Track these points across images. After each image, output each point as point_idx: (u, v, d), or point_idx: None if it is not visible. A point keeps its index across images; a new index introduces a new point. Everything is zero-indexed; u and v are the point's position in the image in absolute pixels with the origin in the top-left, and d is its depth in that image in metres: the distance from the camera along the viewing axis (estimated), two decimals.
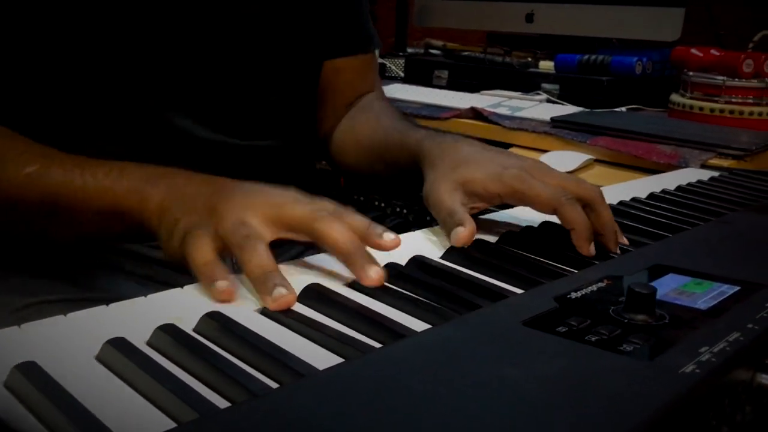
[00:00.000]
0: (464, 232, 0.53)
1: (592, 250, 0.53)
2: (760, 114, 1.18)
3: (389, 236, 0.48)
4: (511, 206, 0.66)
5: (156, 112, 0.65)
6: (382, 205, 1.40)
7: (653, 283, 0.43)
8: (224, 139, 0.69)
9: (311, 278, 0.47)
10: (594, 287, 0.43)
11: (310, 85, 0.79)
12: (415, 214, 1.34)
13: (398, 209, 1.39)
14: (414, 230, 0.60)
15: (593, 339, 0.35)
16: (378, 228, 0.48)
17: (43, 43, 0.60)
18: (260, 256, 0.44)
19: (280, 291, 0.42)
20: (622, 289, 0.43)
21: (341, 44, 0.80)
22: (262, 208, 0.48)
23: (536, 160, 0.60)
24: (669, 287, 0.43)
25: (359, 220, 0.48)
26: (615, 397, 0.29)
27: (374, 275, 0.45)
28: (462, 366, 0.32)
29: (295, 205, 0.48)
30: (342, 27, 0.79)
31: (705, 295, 0.42)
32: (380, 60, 1.71)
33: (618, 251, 0.55)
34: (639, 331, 0.37)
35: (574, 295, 0.42)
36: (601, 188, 0.84)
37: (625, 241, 0.57)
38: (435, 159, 0.62)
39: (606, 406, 0.28)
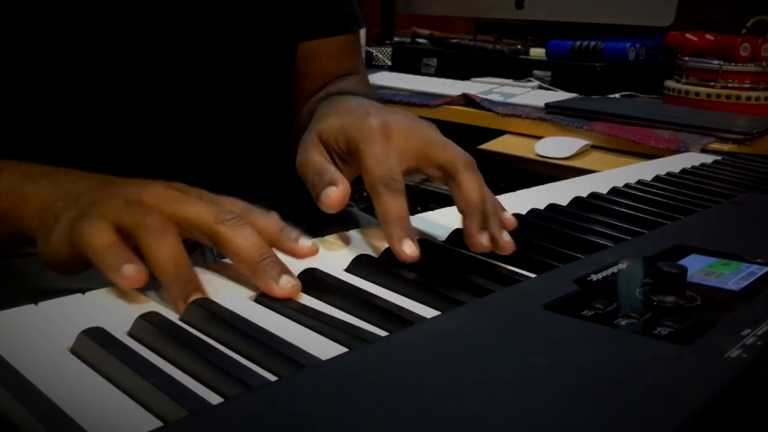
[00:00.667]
0: (336, 192, 0.44)
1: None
2: (757, 99, 1.15)
3: (305, 242, 0.40)
4: (521, 188, 0.63)
5: (119, 102, 0.60)
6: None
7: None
8: (195, 131, 0.64)
9: (306, 263, 0.43)
10: (614, 269, 0.40)
11: (284, 70, 0.72)
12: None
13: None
14: None
15: (623, 323, 0.32)
16: (292, 232, 0.41)
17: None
18: (171, 247, 0.37)
19: (196, 295, 0.37)
20: (644, 270, 0.40)
21: (315, 25, 0.72)
22: (156, 201, 0.40)
23: (414, 120, 0.49)
24: (695, 268, 0.40)
25: (270, 222, 0.41)
26: (660, 384, 0.26)
27: (286, 285, 0.38)
28: (482, 354, 0.29)
29: (197, 204, 0.40)
30: (316, 6, 0.71)
31: (734, 276, 0.39)
32: (367, 48, 1.67)
33: (484, 243, 0.43)
34: (671, 313, 0.33)
35: (594, 277, 0.38)
36: (600, 173, 0.82)
37: (509, 223, 0.46)
38: (315, 117, 0.53)
39: (654, 393, 0.25)
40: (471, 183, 0.45)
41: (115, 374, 0.29)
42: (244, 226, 0.39)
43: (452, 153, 0.46)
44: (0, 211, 0.46)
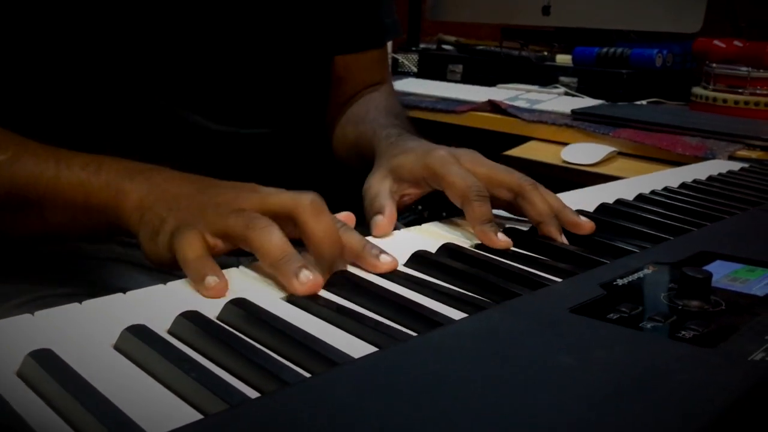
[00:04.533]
0: (382, 221, 0.52)
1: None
2: None
3: (386, 258, 0.45)
4: None
5: (164, 105, 0.63)
6: None
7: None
8: (234, 130, 0.67)
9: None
10: (640, 274, 0.41)
11: (321, 78, 0.76)
12: (430, 211, 1.32)
13: (412, 205, 1.37)
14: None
15: (649, 326, 0.33)
16: (374, 248, 0.45)
17: (46, 39, 0.58)
18: (277, 238, 0.41)
19: (306, 275, 0.40)
20: (670, 275, 0.40)
21: (352, 40, 0.77)
22: (251, 206, 0.44)
23: (473, 151, 0.56)
24: (720, 273, 0.41)
25: (355, 239, 0.45)
26: (685, 386, 0.26)
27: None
28: (511, 354, 0.30)
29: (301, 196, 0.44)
30: (353, 23, 0.76)
31: (759, 282, 0.40)
32: (393, 55, 1.68)
33: (564, 240, 0.51)
34: (696, 317, 0.34)
35: (620, 282, 0.39)
36: (626, 180, 0.83)
37: (585, 227, 0.52)
38: (381, 154, 0.60)
39: (679, 394, 0.26)
40: (538, 198, 0.52)
41: (157, 369, 0.31)
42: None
43: (517, 176, 0.54)
44: (100, 204, 0.50)
